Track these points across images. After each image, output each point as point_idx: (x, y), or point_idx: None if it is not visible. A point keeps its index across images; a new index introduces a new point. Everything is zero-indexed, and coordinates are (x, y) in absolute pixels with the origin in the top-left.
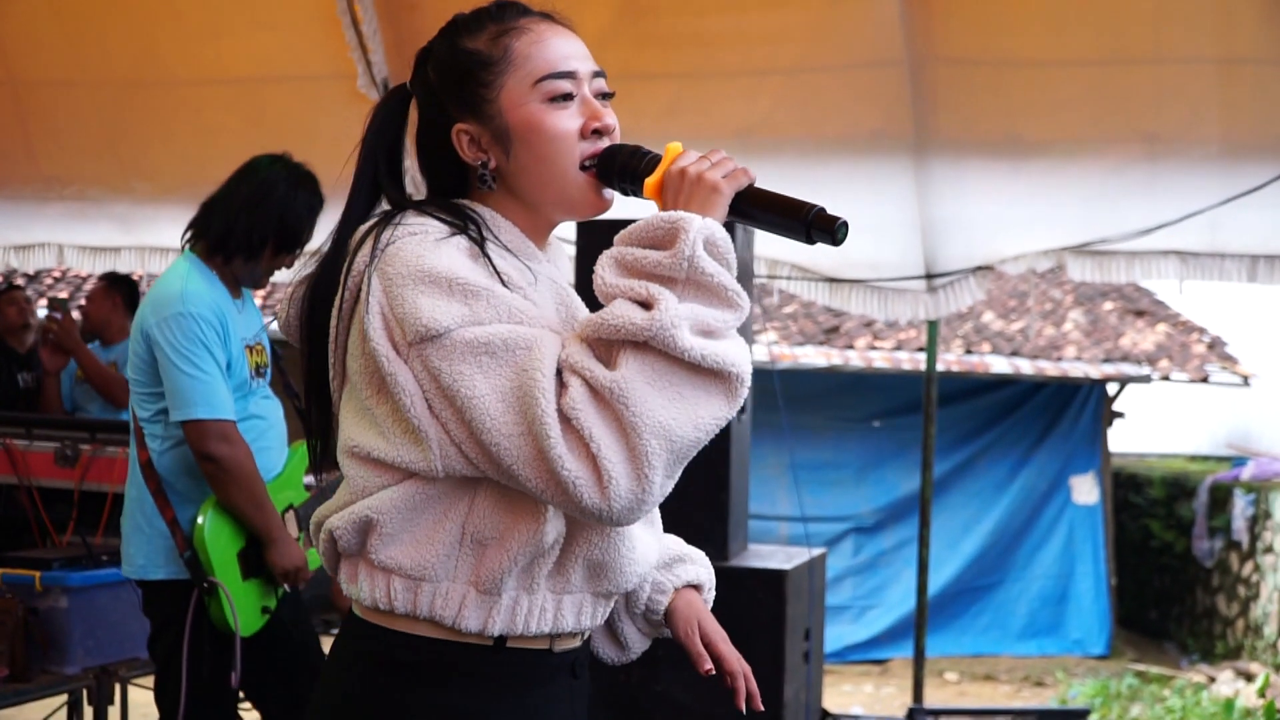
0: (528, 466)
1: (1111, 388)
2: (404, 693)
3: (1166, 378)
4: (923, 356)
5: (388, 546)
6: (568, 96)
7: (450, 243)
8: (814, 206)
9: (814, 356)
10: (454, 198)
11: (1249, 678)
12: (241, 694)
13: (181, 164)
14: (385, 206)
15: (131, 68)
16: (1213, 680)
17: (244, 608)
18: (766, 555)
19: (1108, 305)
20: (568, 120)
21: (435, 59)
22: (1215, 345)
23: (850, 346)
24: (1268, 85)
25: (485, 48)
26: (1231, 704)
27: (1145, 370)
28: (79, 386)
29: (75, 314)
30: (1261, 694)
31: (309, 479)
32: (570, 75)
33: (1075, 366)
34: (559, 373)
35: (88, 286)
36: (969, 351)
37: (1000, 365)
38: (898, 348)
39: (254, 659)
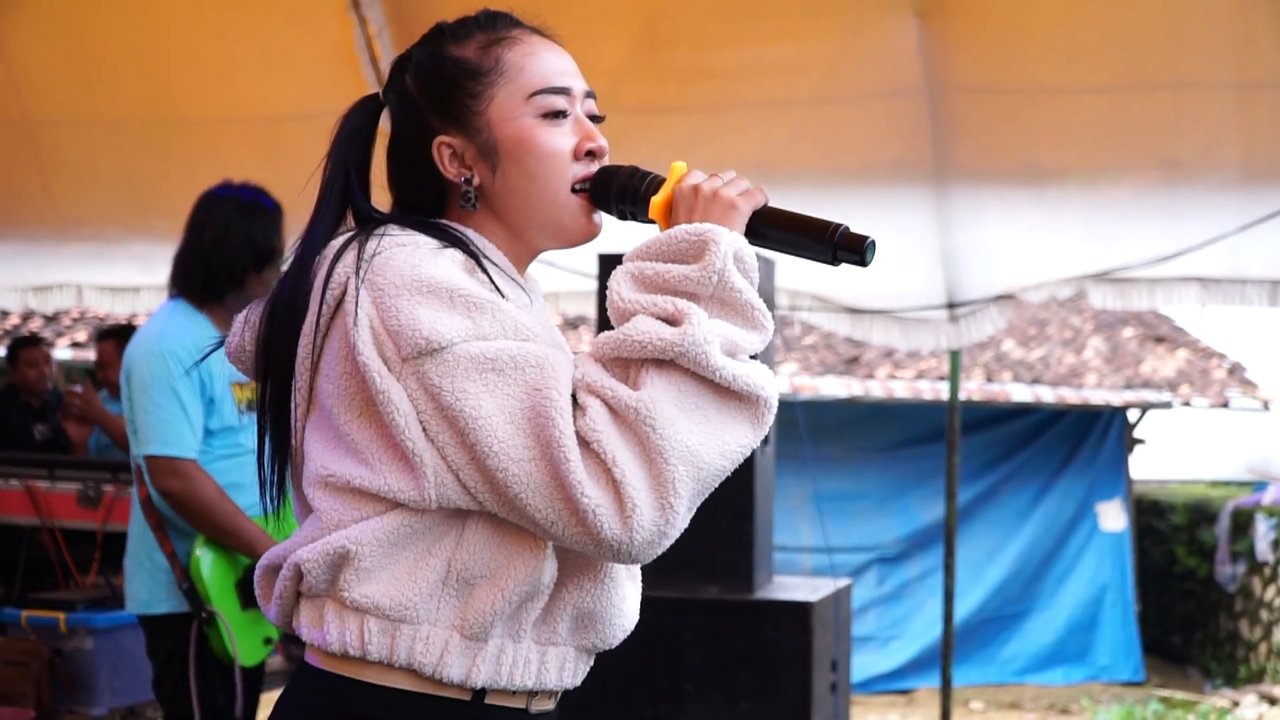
0: (539, 495)
1: (1133, 414)
2: None
3: (1187, 403)
4: (943, 385)
5: (364, 583)
6: (561, 114)
7: (445, 254)
8: (838, 225)
9: (835, 387)
10: (429, 217)
11: (1272, 701)
12: None
13: None
14: (350, 225)
15: (148, 107)
16: (1236, 704)
17: (245, 637)
18: (792, 587)
19: (1127, 332)
20: (561, 138)
21: (416, 67)
22: (1235, 370)
23: (871, 376)
24: None
25: (474, 56)
26: None
27: (1166, 396)
28: (105, 445)
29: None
30: None
31: None
32: (565, 92)
33: (1096, 394)
34: (574, 394)
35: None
36: (990, 380)
37: (1021, 393)
38: (919, 377)
39: (254, 688)
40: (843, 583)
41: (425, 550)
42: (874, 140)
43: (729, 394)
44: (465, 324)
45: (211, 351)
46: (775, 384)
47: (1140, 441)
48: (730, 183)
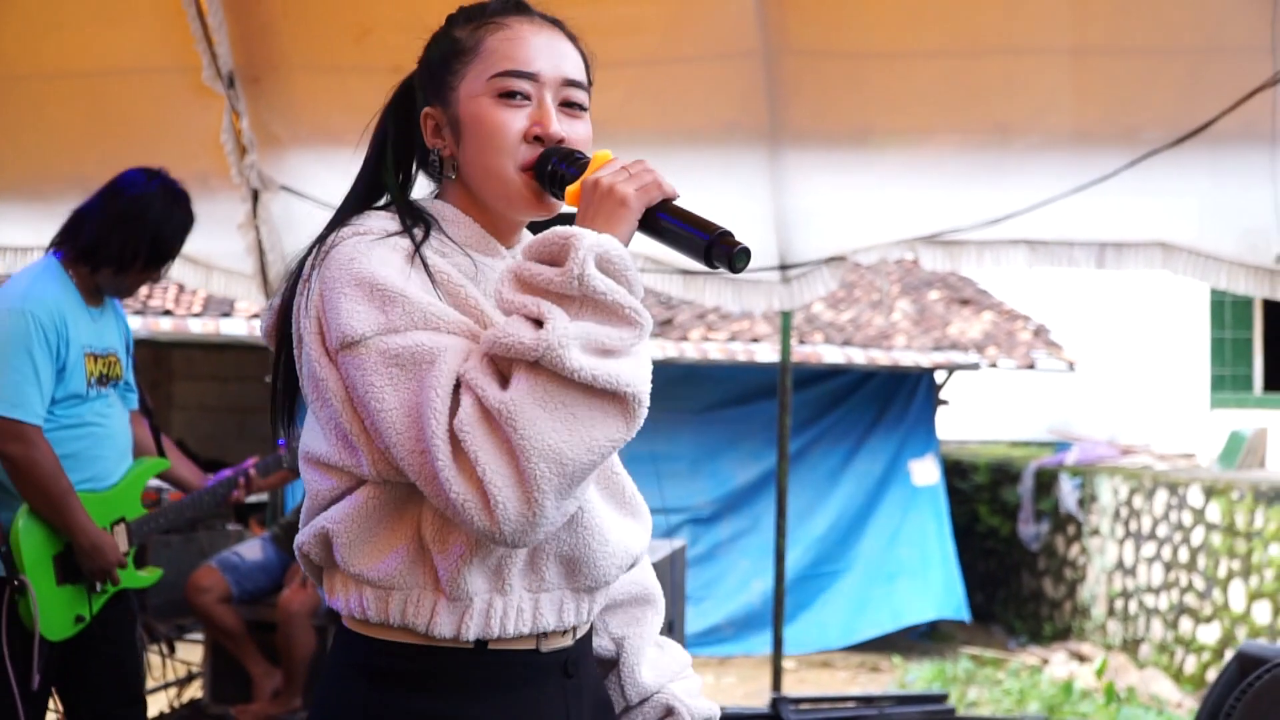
0: (427, 485)
1: (940, 375)
2: (388, 701)
3: (994, 365)
4: (756, 348)
5: (352, 557)
6: (522, 96)
7: (386, 243)
8: (719, 230)
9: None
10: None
11: (1081, 659)
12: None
13: (24, 161)
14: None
15: None
16: (1046, 662)
17: (54, 611)
18: None
19: (933, 295)
20: (513, 119)
21: (431, 41)
22: (1040, 332)
23: (685, 339)
24: (1118, 75)
25: (464, 37)
26: (1070, 685)
27: (974, 358)
28: None
29: None
30: (1099, 675)
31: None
32: (530, 76)
33: (906, 355)
34: (458, 386)
35: None
36: (801, 342)
37: (833, 355)
38: (732, 339)
39: (66, 666)
40: (678, 543)
41: (394, 522)
42: (709, 102)
43: (594, 391)
44: (379, 317)
45: None
46: (644, 378)
47: (944, 403)
48: (634, 176)
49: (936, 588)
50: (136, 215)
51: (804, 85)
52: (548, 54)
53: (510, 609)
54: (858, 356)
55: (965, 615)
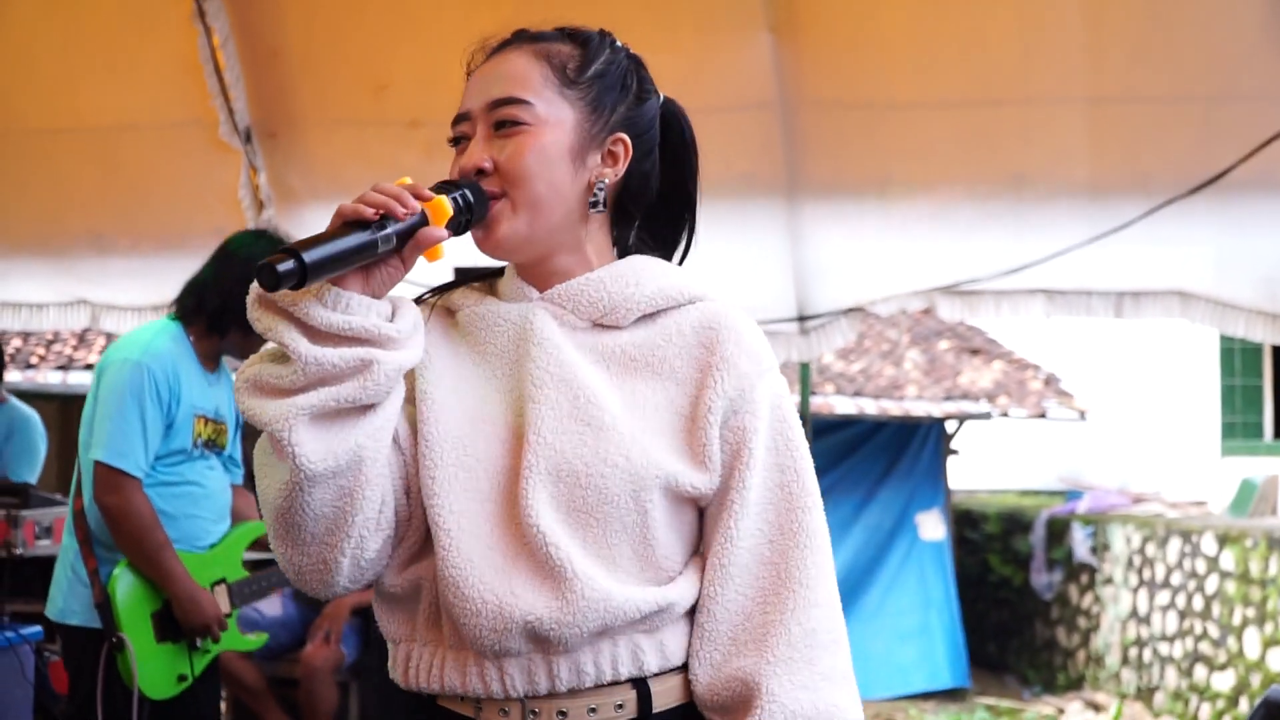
0: None
1: (951, 425)
2: None
3: (1005, 414)
4: None
5: None
6: (461, 139)
7: None
8: (277, 255)
9: None
10: None
11: (1096, 708)
12: None
13: (37, 215)
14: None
15: None
16: (1061, 711)
17: (155, 669)
18: None
19: (944, 344)
20: (454, 167)
21: None
22: (1051, 381)
23: None
24: (1134, 124)
25: None
26: None
27: (985, 407)
28: None
29: None
30: None
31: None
32: (464, 117)
33: (917, 405)
34: None
35: None
36: (813, 393)
37: (845, 405)
38: None
39: None
40: None
41: None
42: (727, 153)
43: (267, 434)
44: None
45: None
46: (287, 416)
47: (954, 452)
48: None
49: (939, 653)
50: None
51: (821, 136)
52: (480, 86)
53: (420, 660)
54: (869, 407)
55: (967, 681)
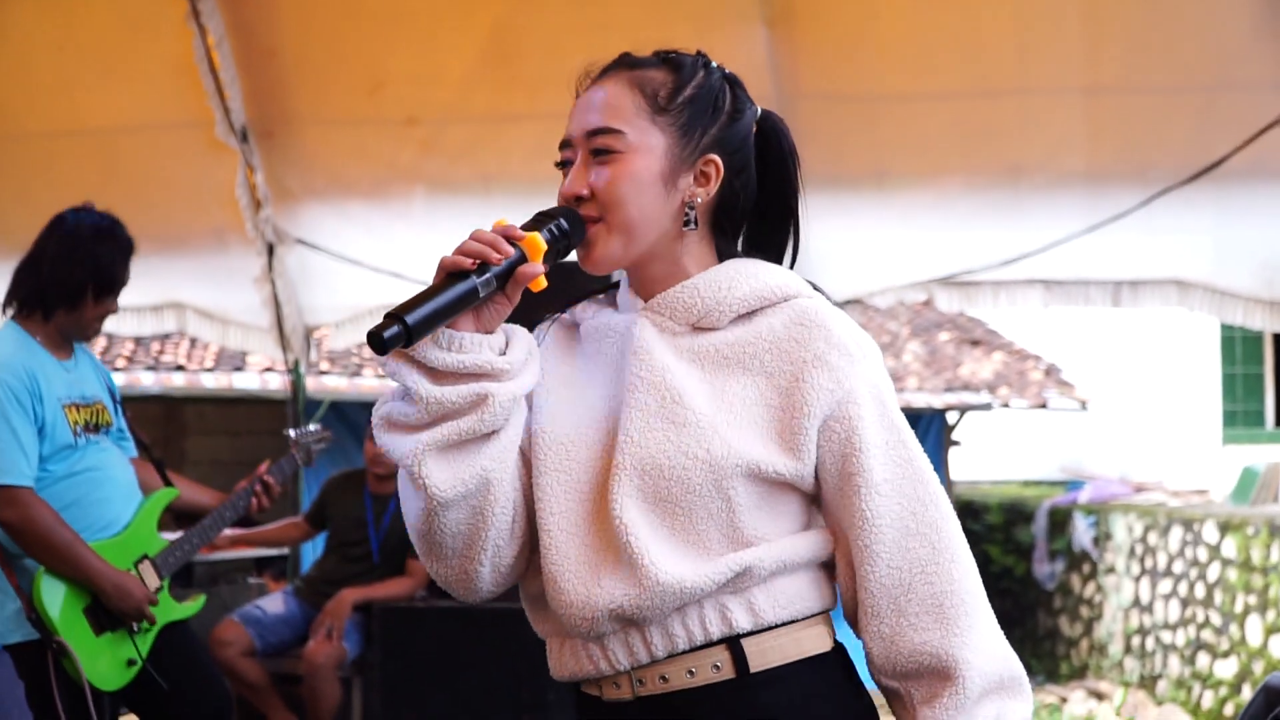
0: None
1: (951, 416)
2: None
3: (1006, 405)
4: None
5: None
6: (567, 164)
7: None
8: (392, 315)
9: None
10: None
11: (1099, 696)
12: None
13: (35, 219)
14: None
15: None
16: (1064, 700)
17: (103, 664)
18: None
19: (944, 336)
20: (560, 190)
21: None
22: (1051, 372)
23: None
24: (1131, 114)
25: None
26: None
27: (985, 398)
28: None
29: None
30: (1119, 712)
31: (174, 535)
32: (566, 144)
33: (918, 396)
34: None
35: None
36: None
37: None
38: None
39: (141, 710)
40: None
41: None
42: None
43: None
44: None
45: None
46: (416, 454)
47: (956, 443)
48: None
49: None
50: (70, 250)
51: (817, 129)
52: (580, 115)
53: (555, 652)
54: None
55: None
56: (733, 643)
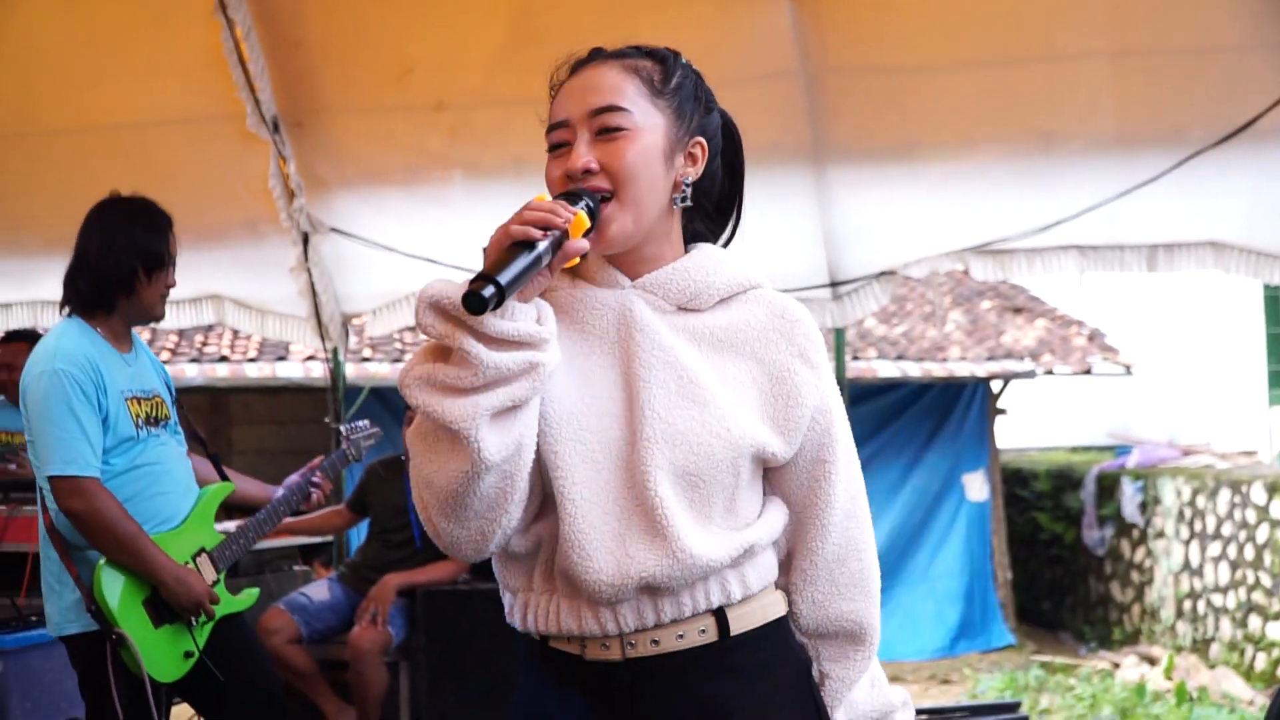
0: None
1: (995, 384)
2: (522, 672)
3: (1050, 372)
4: None
5: None
6: (562, 145)
7: None
8: (481, 277)
9: None
10: None
11: (1152, 661)
12: None
13: (69, 215)
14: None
15: (12, 120)
16: (1117, 666)
17: (161, 655)
18: None
19: (986, 304)
20: (555, 168)
21: None
22: (1095, 337)
23: None
24: (1160, 77)
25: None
26: (1143, 688)
27: (1029, 365)
28: None
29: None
30: (1168, 676)
31: (229, 524)
32: (561, 124)
33: (961, 366)
34: None
35: None
36: (856, 358)
37: (888, 369)
38: None
39: (196, 702)
40: None
41: None
42: (752, 123)
43: (441, 426)
44: None
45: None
46: (472, 416)
47: (1002, 411)
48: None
49: (989, 612)
50: (110, 239)
51: (845, 102)
52: (577, 96)
53: (537, 607)
54: (913, 370)
55: (1007, 640)
56: (718, 611)
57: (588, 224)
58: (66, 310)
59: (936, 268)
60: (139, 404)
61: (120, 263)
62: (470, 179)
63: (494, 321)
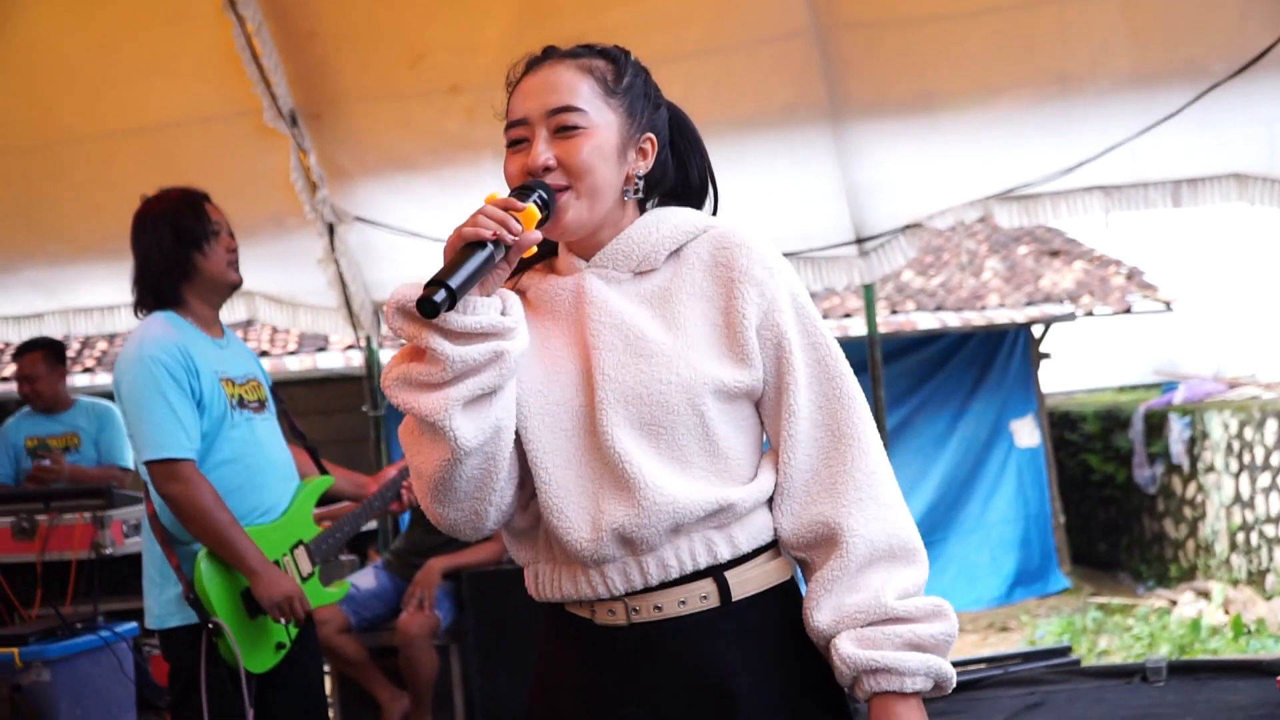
0: None
1: (1037, 330)
2: (542, 639)
3: (1090, 313)
4: (849, 323)
5: None
6: (521, 141)
7: None
8: (432, 285)
9: None
10: None
11: (1208, 597)
12: None
13: (95, 221)
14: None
15: (33, 131)
16: (1174, 603)
17: (255, 645)
18: None
19: (1023, 249)
20: (514, 163)
21: None
22: (1134, 275)
23: None
24: (1174, 10)
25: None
26: (1198, 623)
27: (1069, 308)
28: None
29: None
30: (1224, 610)
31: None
32: (520, 122)
33: (1000, 313)
34: None
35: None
36: (894, 311)
37: (927, 321)
38: (824, 316)
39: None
40: None
41: None
42: (767, 85)
43: (421, 420)
44: None
45: None
46: (445, 409)
47: (1046, 356)
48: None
49: (1044, 557)
50: (154, 234)
51: (859, 57)
52: (535, 95)
53: (544, 576)
54: (952, 320)
55: (1063, 584)
56: (718, 575)
57: (539, 216)
58: (143, 313)
59: (962, 217)
60: (233, 385)
61: (173, 252)
62: (499, 160)
63: (457, 318)
